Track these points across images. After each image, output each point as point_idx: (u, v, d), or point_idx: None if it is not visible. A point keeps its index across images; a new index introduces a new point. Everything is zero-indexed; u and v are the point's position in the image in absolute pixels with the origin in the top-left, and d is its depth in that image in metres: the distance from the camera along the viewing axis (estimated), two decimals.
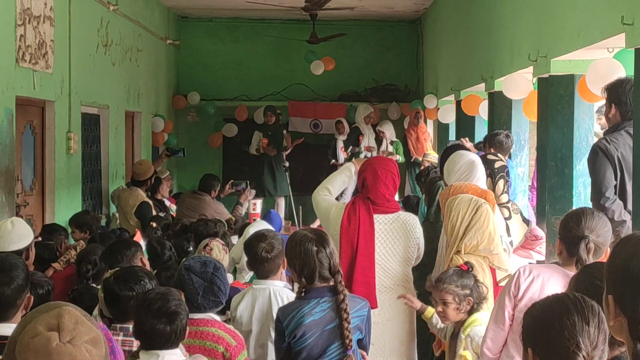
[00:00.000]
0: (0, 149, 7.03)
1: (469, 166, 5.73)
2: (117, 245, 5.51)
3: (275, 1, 12.25)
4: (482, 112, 9.76)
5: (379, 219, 5.54)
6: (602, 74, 5.64)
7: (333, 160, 14.33)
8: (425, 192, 6.90)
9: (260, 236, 4.85)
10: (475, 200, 4.89)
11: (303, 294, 4.24)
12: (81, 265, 5.83)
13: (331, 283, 4.23)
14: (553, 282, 3.89)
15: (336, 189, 5.83)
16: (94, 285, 5.50)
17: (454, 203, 5.03)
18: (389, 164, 5.72)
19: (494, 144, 8.31)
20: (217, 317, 4.22)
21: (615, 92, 5.42)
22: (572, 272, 3.77)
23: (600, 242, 3.87)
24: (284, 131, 14.74)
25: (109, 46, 10.60)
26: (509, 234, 6.17)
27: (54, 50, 8.32)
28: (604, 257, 4.00)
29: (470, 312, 4.68)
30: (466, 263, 4.81)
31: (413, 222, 5.63)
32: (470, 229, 4.97)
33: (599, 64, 5.81)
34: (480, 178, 5.72)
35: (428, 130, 14.79)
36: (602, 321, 2.43)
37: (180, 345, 3.63)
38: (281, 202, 14.36)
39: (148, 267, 5.43)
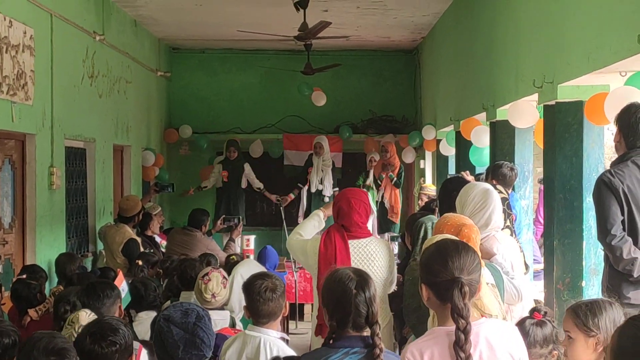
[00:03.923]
0: None
1: (483, 195, 5.37)
2: (100, 285, 5.20)
3: (268, 31, 11.88)
4: (475, 138, 9.32)
5: (353, 244, 5.88)
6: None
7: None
8: (407, 230, 6.48)
9: (262, 275, 4.72)
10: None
11: (332, 342, 3.75)
12: (58, 306, 5.44)
13: (365, 333, 3.73)
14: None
15: (307, 233, 6.14)
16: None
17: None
18: (361, 194, 6.18)
19: (497, 176, 7.94)
20: None
21: (620, 117, 5.01)
22: (451, 326, 3.24)
23: (474, 280, 3.31)
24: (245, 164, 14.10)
25: (95, 77, 10.22)
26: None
27: (35, 81, 7.93)
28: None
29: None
30: (536, 309, 4.34)
31: (384, 245, 5.99)
32: None
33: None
34: (497, 206, 5.34)
35: (427, 162, 14.42)
36: None
37: None
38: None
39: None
